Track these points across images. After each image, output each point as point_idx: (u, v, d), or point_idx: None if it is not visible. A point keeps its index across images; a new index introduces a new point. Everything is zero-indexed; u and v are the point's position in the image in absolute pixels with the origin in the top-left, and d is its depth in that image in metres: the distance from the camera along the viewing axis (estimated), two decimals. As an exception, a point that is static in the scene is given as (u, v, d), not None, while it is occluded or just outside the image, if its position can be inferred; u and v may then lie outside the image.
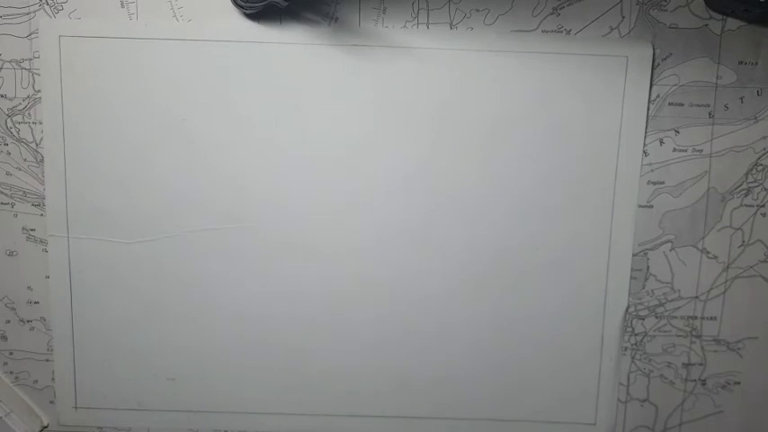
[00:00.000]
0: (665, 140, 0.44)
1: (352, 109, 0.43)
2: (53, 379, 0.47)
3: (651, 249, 0.45)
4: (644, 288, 0.45)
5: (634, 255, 0.45)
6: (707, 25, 0.42)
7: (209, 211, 0.44)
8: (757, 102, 0.43)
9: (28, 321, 0.46)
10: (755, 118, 0.43)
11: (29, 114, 0.43)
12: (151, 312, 0.45)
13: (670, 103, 0.43)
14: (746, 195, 0.44)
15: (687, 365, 0.46)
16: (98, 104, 0.43)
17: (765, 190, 0.44)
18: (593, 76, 0.43)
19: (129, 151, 0.43)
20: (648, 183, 0.44)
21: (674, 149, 0.44)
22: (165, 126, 0.43)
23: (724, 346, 0.46)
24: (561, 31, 0.42)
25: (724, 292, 0.45)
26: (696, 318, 0.46)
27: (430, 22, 0.42)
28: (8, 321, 0.46)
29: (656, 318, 0.46)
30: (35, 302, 0.46)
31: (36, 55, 0.43)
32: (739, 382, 0.46)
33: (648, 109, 0.43)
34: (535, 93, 0.43)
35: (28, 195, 0.44)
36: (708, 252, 0.45)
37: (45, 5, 0.42)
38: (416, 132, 0.43)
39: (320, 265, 0.45)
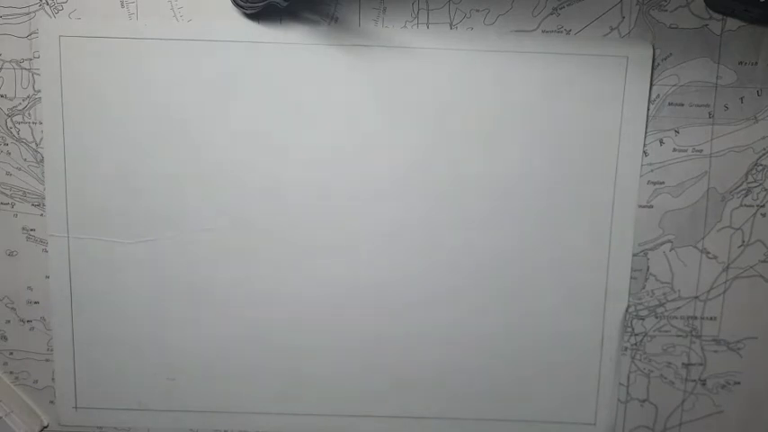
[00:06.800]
0: (665, 140, 0.44)
1: (352, 109, 0.43)
2: (53, 379, 0.47)
3: (651, 249, 0.45)
4: (644, 288, 0.45)
5: (634, 255, 0.45)
6: (707, 25, 0.42)
7: (209, 211, 0.44)
8: (757, 102, 0.43)
9: (28, 321, 0.46)
10: (755, 118, 0.43)
11: (29, 114, 0.43)
12: (151, 312, 0.45)
13: (670, 103, 0.43)
14: (746, 195, 0.44)
15: (687, 365, 0.46)
16: (98, 104, 0.43)
17: (765, 190, 0.44)
18: (593, 76, 0.43)
19: (129, 151, 0.43)
20: (648, 183, 0.44)
21: (674, 149, 0.44)
22: (165, 126, 0.43)
23: (724, 346, 0.46)
24: (561, 31, 0.42)
25: (724, 292, 0.45)
26: (696, 318, 0.46)
27: (430, 22, 0.42)
28: (8, 321, 0.46)
29: (656, 318, 0.46)
30: (35, 302, 0.46)
31: (36, 55, 0.43)
32: (739, 382, 0.46)
33: (648, 109, 0.43)
34: (535, 93, 0.43)
35: (28, 195, 0.44)
36: (708, 252, 0.45)
37: (45, 5, 0.42)
38: (416, 132, 0.43)
39: (320, 265, 0.45)
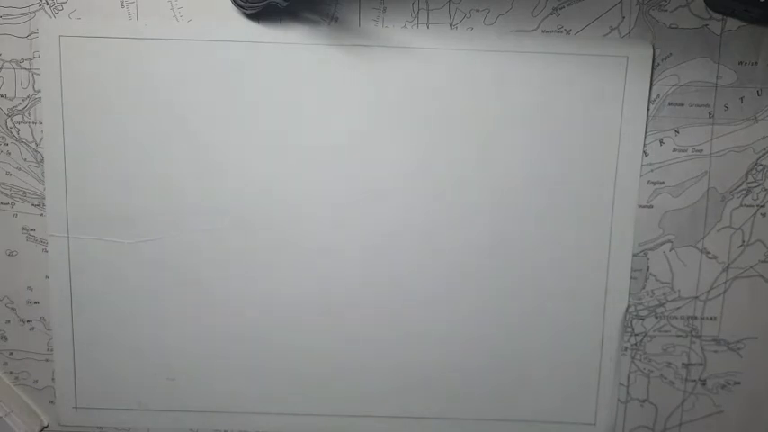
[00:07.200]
0: (665, 140, 0.44)
1: (352, 109, 0.43)
2: (53, 379, 0.47)
3: (651, 249, 0.45)
4: (644, 288, 0.45)
5: (634, 255, 0.45)
6: (707, 25, 0.42)
7: (209, 210, 0.44)
8: (757, 102, 0.43)
9: (28, 321, 0.46)
10: (755, 118, 0.43)
11: (29, 114, 0.43)
12: (151, 312, 0.45)
13: (670, 103, 0.43)
14: (746, 195, 0.44)
15: (687, 365, 0.46)
16: (98, 104, 0.43)
17: (765, 190, 0.44)
18: (594, 76, 0.43)
19: (129, 151, 0.43)
20: (648, 183, 0.44)
21: (674, 149, 0.44)
22: (165, 126, 0.43)
23: (724, 346, 0.46)
24: (561, 31, 0.42)
25: (724, 292, 0.45)
26: (696, 318, 0.46)
27: (430, 22, 0.42)
28: (8, 321, 0.46)
29: (656, 318, 0.46)
30: (35, 302, 0.46)
31: (36, 55, 0.43)
32: (739, 382, 0.46)
33: (648, 109, 0.43)
34: (535, 93, 0.43)
35: (28, 195, 0.44)
36: (708, 252, 0.45)
37: (45, 5, 0.42)
38: (416, 132, 0.43)
39: (320, 265, 0.45)
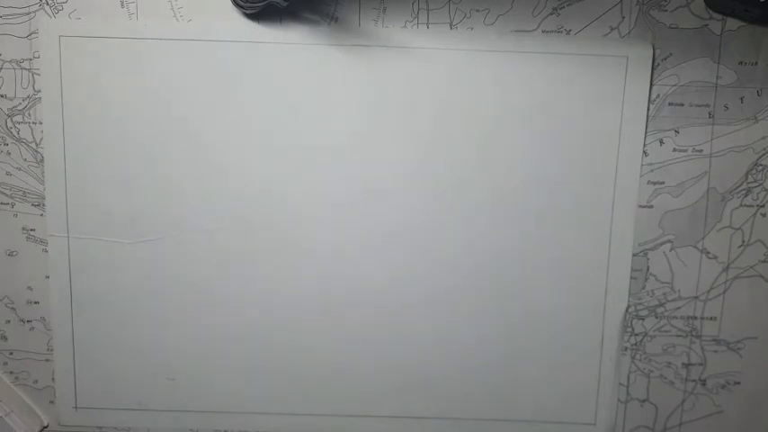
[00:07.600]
0: (665, 140, 0.44)
1: (352, 109, 0.43)
2: (53, 379, 0.47)
3: (651, 249, 0.45)
4: (644, 288, 0.45)
5: (634, 255, 0.45)
6: (707, 25, 0.42)
7: (208, 210, 0.44)
8: (757, 102, 0.43)
9: (28, 321, 0.46)
10: (755, 118, 0.43)
11: (29, 114, 0.43)
12: (151, 312, 0.45)
13: (670, 103, 0.43)
14: (746, 195, 0.44)
15: (687, 365, 0.46)
16: (98, 104, 0.43)
17: (765, 190, 0.44)
18: (594, 76, 0.43)
19: (129, 151, 0.43)
20: (648, 183, 0.44)
21: (674, 149, 0.44)
22: (165, 126, 0.43)
23: (724, 346, 0.46)
24: (561, 31, 0.42)
25: (724, 292, 0.45)
26: (696, 318, 0.46)
27: (430, 22, 0.42)
28: (8, 321, 0.46)
29: (656, 318, 0.46)
30: (35, 302, 0.46)
31: (36, 55, 0.43)
32: (739, 382, 0.46)
33: (648, 109, 0.43)
34: (535, 93, 0.43)
35: (28, 195, 0.44)
36: (708, 252, 0.45)
37: (45, 5, 0.42)
38: (416, 132, 0.43)
39: (320, 265, 0.45)
